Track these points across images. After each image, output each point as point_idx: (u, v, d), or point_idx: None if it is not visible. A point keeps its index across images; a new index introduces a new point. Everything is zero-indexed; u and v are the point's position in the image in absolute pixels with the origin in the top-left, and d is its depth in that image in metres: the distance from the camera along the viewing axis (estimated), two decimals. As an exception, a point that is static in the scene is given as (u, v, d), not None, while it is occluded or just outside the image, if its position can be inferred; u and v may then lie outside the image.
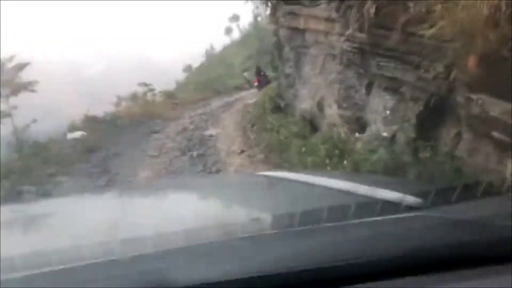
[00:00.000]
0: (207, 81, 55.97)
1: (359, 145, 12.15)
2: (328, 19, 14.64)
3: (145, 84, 34.99)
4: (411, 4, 9.90)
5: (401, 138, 10.73)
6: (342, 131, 13.38)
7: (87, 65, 61.57)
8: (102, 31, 75.93)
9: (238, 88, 43.04)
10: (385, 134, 11.05)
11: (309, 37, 17.59)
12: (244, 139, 20.83)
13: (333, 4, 13.66)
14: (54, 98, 40.80)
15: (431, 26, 9.35)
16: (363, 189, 2.39)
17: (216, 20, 71.39)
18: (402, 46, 10.32)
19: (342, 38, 12.85)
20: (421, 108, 10.12)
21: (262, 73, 36.42)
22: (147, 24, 79.71)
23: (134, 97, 34.42)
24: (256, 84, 34.67)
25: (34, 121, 30.44)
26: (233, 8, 69.71)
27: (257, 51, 62.63)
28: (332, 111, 15.06)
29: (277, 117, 20.42)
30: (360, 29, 11.17)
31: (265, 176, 4.31)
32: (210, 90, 46.00)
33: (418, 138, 10.02)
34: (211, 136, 23.42)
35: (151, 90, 35.36)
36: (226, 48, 68.69)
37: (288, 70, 20.61)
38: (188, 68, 67.93)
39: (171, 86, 66.47)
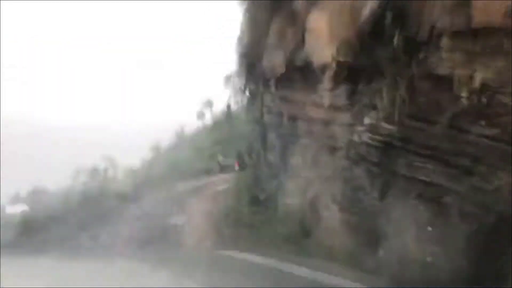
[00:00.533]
0: (175, 162, 52.84)
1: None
2: (332, 107, 12.40)
3: (109, 158, 31.50)
4: (463, 94, 7.67)
5: (443, 265, 7.78)
6: (349, 242, 10.36)
7: (47, 130, 57.04)
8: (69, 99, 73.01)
9: (207, 172, 40.08)
10: (416, 256, 8.07)
11: (301, 125, 15.33)
12: (216, 234, 17.30)
13: (342, 89, 11.49)
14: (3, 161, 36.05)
15: (493, 125, 7.03)
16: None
17: (189, 103, 70.46)
18: (448, 144, 7.83)
19: (360, 128, 10.40)
20: (474, 228, 7.43)
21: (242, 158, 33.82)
22: (118, 95, 77.31)
23: (94, 171, 30.58)
24: (237, 167, 31.97)
25: None
26: (208, 94, 69.41)
27: (227, 137, 61.46)
28: (330, 214, 12.12)
29: (256, 210, 17.30)
30: (389, 120, 8.80)
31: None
32: (177, 171, 42.81)
33: (469, 272, 7.11)
34: (176, 226, 19.77)
35: (114, 166, 31.81)
36: (196, 132, 66.74)
37: (271, 159, 18.04)
38: (155, 147, 64.73)
39: (135, 164, 62.97)
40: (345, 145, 11.52)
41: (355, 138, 10.61)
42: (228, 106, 64.90)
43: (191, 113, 70.82)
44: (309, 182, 14.44)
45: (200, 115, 69.24)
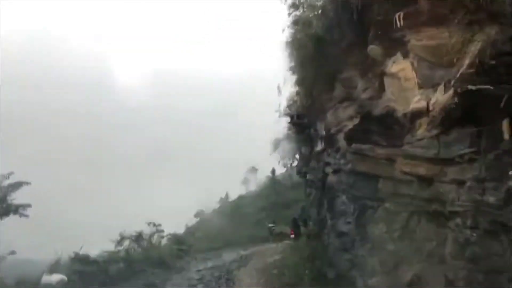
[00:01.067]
0: (220, 229, 49.77)
1: None
2: (437, 160, 9.43)
3: (154, 224, 29.19)
4: None
5: None
6: None
7: (93, 191, 56.09)
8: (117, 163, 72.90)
9: (253, 240, 36.57)
10: None
11: (385, 185, 12.29)
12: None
13: (455, 135, 8.54)
14: (45, 226, 34.40)
15: None
16: None
17: (234, 170, 68.51)
18: None
19: (491, 184, 7.40)
20: None
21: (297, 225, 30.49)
22: (163, 161, 76.53)
23: (139, 236, 28.16)
24: (292, 236, 28.62)
25: (13, 253, 23.77)
26: (252, 161, 67.58)
27: (272, 204, 58.07)
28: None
29: (328, 293, 13.70)
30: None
31: None
32: (222, 239, 39.60)
33: None
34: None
35: (160, 231, 29.37)
36: (241, 198, 64.00)
37: (342, 227, 14.73)
38: (200, 213, 62.19)
39: (180, 230, 60.31)
40: (462, 210, 8.28)
41: (488, 199, 7.44)
42: (273, 171, 62.67)
43: (235, 179, 68.89)
44: (399, 257, 10.99)
45: (245, 181, 67.12)
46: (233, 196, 65.83)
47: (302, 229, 25.28)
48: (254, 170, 64.90)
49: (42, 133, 73.33)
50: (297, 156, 27.54)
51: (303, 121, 21.55)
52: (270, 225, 35.04)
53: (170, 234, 31.85)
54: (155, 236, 29.65)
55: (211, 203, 65.94)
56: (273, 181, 61.97)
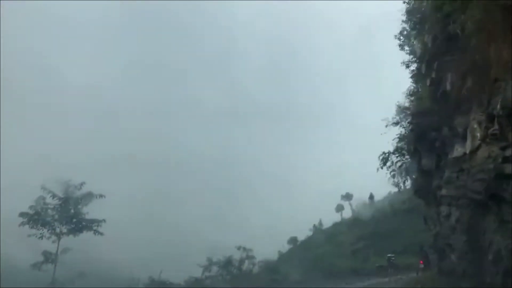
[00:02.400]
0: (314, 257, 43.69)
1: None
2: None
3: (244, 249, 24.85)
4: None
5: None
6: None
7: (183, 217, 53.74)
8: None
9: (355, 272, 30.03)
10: None
11: None
12: None
13: None
14: (119, 245, 31.17)
15: None
16: None
17: (328, 196, 62.12)
18: None
19: None
20: None
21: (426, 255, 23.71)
22: (256, 188, 72.79)
23: (228, 262, 23.98)
24: (421, 265, 22.09)
25: (82, 274, 20.60)
26: (347, 187, 60.66)
27: (371, 233, 50.31)
28: None
29: None
30: None
31: None
32: (320, 269, 33.68)
33: None
34: None
35: (250, 257, 24.88)
36: (335, 225, 57.03)
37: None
38: (293, 240, 56.52)
39: (273, 256, 55.09)
40: None
41: None
42: (371, 197, 54.97)
43: (329, 206, 62.25)
44: None
45: (339, 208, 60.21)
46: (326, 223, 59.29)
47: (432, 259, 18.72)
48: (349, 196, 57.94)
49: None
50: (412, 172, 21.19)
51: (428, 120, 15.68)
52: (389, 255, 28.30)
53: (262, 261, 27.06)
54: (246, 262, 25.13)
55: (304, 230, 60.10)
56: (371, 207, 54.42)
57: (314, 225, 57.15)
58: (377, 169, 23.31)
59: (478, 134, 11.75)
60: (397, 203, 50.18)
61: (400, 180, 23.46)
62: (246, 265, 25.33)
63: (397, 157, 23.08)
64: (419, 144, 18.16)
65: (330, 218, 58.28)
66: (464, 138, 13.00)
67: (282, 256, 51.06)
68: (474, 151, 12.17)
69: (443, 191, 14.61)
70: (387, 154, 23.16)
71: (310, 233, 56.99)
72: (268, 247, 51.53)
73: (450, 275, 14.33)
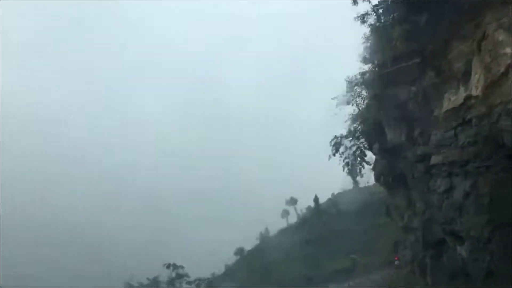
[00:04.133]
0: (263, 266, 37.79)
1: None
2: None
3: (175, 266, 18.64)
4: None
5: None
6: None
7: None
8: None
9: (308, 279, 24.88)
10: None
11: None
12: None
13: None
14: None
15: None
16: None
17: (272, 203, 56.80)
18: None
19: None
20: None
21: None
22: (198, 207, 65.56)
23: (153, 283, 17.66)
24: (396, 262, 17.26)
25: None
26: (291, 192, 55.90)
27: (318, 236, 45.68)
28: None
29: None
30: None
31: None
32: (268, 278, 28.13)
33: None
34: None
35: (180, 276, 18.60)
36: (282, 232, 51.65)
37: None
38: (239, 251, 50.12)
39: (219, 271, 48.23)
40: None
41: None
42: (316, 200, 50.68)
43: (275, 213, 56.84)
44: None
45: (284, 214, 55.09)
46: (273, 230, 53.69)
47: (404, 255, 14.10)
48: (293, 200, 53.04)
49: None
50: (372, 154, 16.64)
51: (400, 72, 11.09)
52: (352, 256, 23.48)
53: (201, 279, 20.80)
54: (177, 283, 18.73)
55: (251, 239, 54.00)
56: (317, 210, 50.05)
57: (261, 233, 51.34)
58: (329, 156, 18.55)
59: (508, 51, 7.01)
60: (342, 204, 46.48)
61: (355, 167, 18.83)
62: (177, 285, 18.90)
63: (350, 140, 18.48)
64: (384, 114, 13.49)
65: (276, 225, 52.93)
66: (466, 75, 8.28)
67: (229, 269, 44.53)
68: (490, 85, 7.41)
69: (435, 159, 9.77)
70: (339, 138, 18.41)
71: (257, 242, 51.05)
72: (213, 262, 44.80)
73: (449, 277, 9.36)
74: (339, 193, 50.13)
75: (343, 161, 18.04)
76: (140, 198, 64.26)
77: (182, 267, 20.04)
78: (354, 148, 17.84)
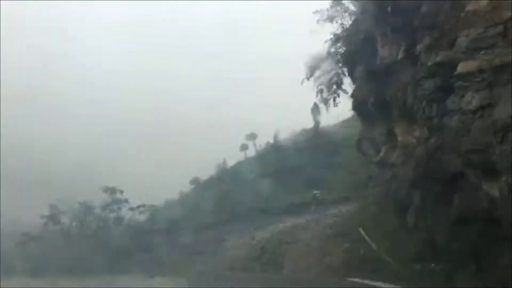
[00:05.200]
0: (217, 196, 36.37)
1: None
2: None
3: (113, 190, 15.91)
4: None
5: None
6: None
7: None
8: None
9: (264, 212, 23.38)
10: None
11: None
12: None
13: None
14: None
15: None
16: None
17: (232, 136, 54.47)
18: None
19: None
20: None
21: None
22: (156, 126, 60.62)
23: (84, 210, 14.94)
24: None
25: None
26: (252, 127, 53.49)
27: (274, 170, 44.71)
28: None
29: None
30: None
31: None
32: (223, 209, 26.42)
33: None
34: None
35: (118, 201, 16.11)
36: (239, 164, 50.15)
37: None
38: (195, 181, 48.32)
39: (174, 196, 46.46)
40: None
41: None
42: (276, 136, 48.96)
43: (233, 146, 54.91)
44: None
45: (243, 147, 53.37)
46: (230, 163, 52.05)
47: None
48: (253, 135, 51.02)
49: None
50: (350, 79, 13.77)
51: None
52: (315, 191, 21.90)
53: (144, 206, 18.25)
54: (112, 209, 15.95)
55: (209, 170, 52.16)
56: (275, 146, 48.62)
57: (218, 164, 49.38)
58: (302, 80, 15.55)
59: None
60: (301, 142, 45.24)
61: (328, 94, 16.07)
62: (112, 213, 16.12)
63: (329, 64, 15.45)
64: (380, 25, 10.37)
65: (234, 158, 51.12)
66: None
67: (182, 198, 42.83)
68: None
69: (465, 67, 7.01)
70: (316, 61, 15.29)
71: (214, 173, 49.36)
72: (172, 189, 42.58)
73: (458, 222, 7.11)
74: (299, 132, 48.63)
75: (317, 87, 15.23)
76: (89, 116, 58.29)
77: (121, 191, 17.39)
78: (332, 73, 14.97)
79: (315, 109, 46.08)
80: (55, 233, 17.97)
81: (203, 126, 62.29)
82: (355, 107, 13.21)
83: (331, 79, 14.93)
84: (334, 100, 15.49)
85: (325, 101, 15.42)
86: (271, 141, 49.16)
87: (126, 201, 18.40)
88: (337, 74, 14.86)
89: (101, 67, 76.24)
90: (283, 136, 48.06)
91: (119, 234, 17.18)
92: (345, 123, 49.84)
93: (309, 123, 48.14)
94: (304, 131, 47.50)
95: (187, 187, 46.36)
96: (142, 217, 20.77)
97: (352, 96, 13.56)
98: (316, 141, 42.65)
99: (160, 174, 39.85)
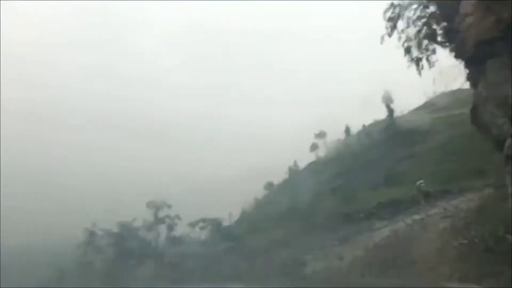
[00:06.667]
0: (292, 202, 32.42)
1: None
2: None
3: (159, 205, 13.13)
4: None
5: None
6: None
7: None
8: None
9: (347, 216, 18.72)
10: None
11: None
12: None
13: None
14: None
15: None
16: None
17: (301, 136, 50.34)
18: None
19: None
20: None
21: None
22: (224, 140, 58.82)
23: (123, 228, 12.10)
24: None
25: None
26: (320, 125, 48.67)
27: (348, 168, 39.26)
28: None
29: None
30: None
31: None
32: (297, 218, 22.23)
33: None
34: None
35: (161, 220, 13.02)
36: (311, 165, 45.72)
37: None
38: (269, 185, 45.24)
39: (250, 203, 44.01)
40: None
41: None
42: (347, 130, 43.53)
43: (304, 147, 50.70)
44: None
45: (314, 147, 48.89)
46: (302, 165, 47.84)
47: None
48: (322, 134, 46.24)
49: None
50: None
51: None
52: (419, 182, 17.04)
53: (207, 220, 15.02)
54: (156, 228, 12.99)
55: (280, 173, 48.54)
56: (347, 142, 43.20)
57: (289, 167, 45.60)
58: (382, 38, 11.03)
59: None
60: (374, 135, 39.18)
61: (422, 53, 11.22)
62: (157, 233, 13.25)
63: (415, 10, 10.71)
64: None
65: (305, 159, 46.89)
66: None
67: (259, 203, 39.97)
68: None
69: None
70: (397, 8, 10.68)
71: (286, 176, 45.69)
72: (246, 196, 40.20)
73: None
74: (370, 124, 42.44)
75: (403, 44, 10.61)
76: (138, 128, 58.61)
77: (170, 205, 14.49)
78: (421, 22, 10.27)
79: (387, 97, 39.79)
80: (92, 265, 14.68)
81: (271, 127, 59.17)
82: (462, 53, 8.43)
83: (421, 28, 10.24)
84: (428, 59, 10.66)
85: (417, 62, 10.63)
86: (342, 137, 43.90)
87: (178, 217, 15.36)
88: (429, 22, 10.12)
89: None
90: (355, 130, 42.58)
91: (179, 257, 13.97)
92: (417, 111, 42.29)
93: (381, 115, 41.72)
94: (376, 122, 41.33)
95: (261, 193, 43.54)
96: (203, 235, 17.33)
97: (460, 39, 8.63)
98: (391, 131, 36.28)
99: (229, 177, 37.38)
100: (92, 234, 14.82)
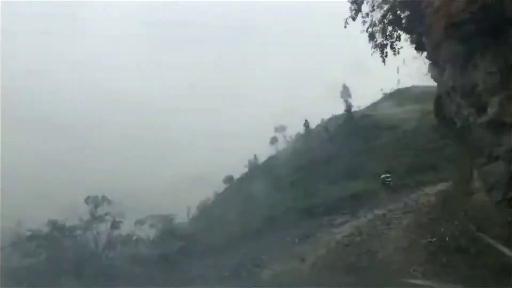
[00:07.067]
0: (250, 196, 31.53)
1: None
2: None
3: (95, 199, 11.51)
4: None
5: None
6: None
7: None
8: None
9: (307, 212, 17.96)
10: None
11: None
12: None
13: None
14: None
15: None
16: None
17: (261, 130, 49.58)
18: None
19: None
20: None
21: None
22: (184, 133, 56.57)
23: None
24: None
25: None
26: (280, 119, 48.26)
27: (309, 161, 39.17)
28: None
29: None
30: None
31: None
32: (255, 214, 21.30)
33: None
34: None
35: (99, 217, 11.59)
36: (270, 159, 45.04)
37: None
38: (229, 179, 43.91)
39: (208, 199, 42.59)
40: None
41: None
42: (306, 124, 43.30)
43: (262, 140, 49.99)
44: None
45: (273, 141, 48.34)
46: (261, 158, 47.09)
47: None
48: (282, 128, 45.86)
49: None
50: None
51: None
52: (383, 175, 16.42)
53: (156, 216, 13.36)
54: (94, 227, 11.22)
55: (239, 167, 47.42)
56: (307, 136, 43.15)
57: (249, 160, 44.58)
58: (345, 22, 10.00)
59: None
60: (333, 129, 39.41)
61: (386, 40, 10.41)
62: (97, 233, 11.45)
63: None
64: None
65: (266, 153, 46.15)
66: None
67: (218, 197, 38.57)
68: None
69: None
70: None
71: (246, 170, 44.65)
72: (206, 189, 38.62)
73: None
74: (329, 119, 42.70)
75: (366, 30, 9.73)
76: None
77: (110, 201, 12.66)
78: (386, 6, 9.46)
79: (345, 92, 40.27)
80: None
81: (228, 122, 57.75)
82: (429, 39, 7.69)
83: (385, 15, 9.43)
84: (392, 46, 9.91)
85: (381, 49, 9.81)
86: (301, 131, 43.76)
87: (121, 214, 13.38)
88: (393, 7, 9.35)
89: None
90: (313, 124, 42.57)
91: (121, 260, 11.95)
92: (376, 105, 43.48)
93: (338, 109, 42.12)
94: (335, 117, 41.70)
95: (220, 187, 42.10)
96: (152, 233, 15.44)
97: (427, 24, 7.86)
98: (350, 126, 36.71)
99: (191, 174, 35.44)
100: (17, 235, 12.08)
